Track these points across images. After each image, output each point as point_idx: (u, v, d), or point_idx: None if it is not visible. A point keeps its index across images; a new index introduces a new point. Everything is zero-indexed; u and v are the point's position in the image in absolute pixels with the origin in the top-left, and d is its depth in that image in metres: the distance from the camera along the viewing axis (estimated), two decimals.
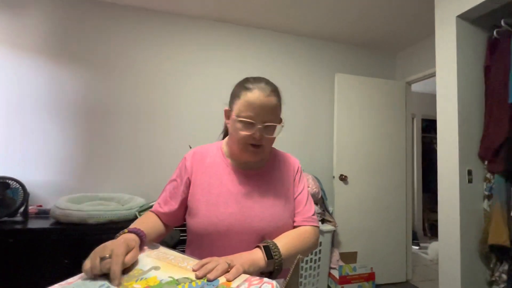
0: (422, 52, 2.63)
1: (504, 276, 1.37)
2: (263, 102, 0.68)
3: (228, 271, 0.52)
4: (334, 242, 2.40)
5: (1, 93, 1.93)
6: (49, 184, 1.97)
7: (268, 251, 0.62)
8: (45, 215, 1.75)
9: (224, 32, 2.44)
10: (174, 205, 0.75)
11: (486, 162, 1.48)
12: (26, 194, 1.61)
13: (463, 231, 1.44)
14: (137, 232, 0.62)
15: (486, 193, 1.48)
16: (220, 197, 0.72)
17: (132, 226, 0.67)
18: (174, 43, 2.31)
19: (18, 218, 1.65)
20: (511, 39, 1.44)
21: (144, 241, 0.62)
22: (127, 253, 0.54)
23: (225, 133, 0.90)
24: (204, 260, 0.54)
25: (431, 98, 4.16)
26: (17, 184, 1.59)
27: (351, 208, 2.53)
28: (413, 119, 4.03)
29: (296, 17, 2.34)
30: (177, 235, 1.66)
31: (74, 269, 1.79)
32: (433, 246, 3.24)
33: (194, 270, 0.52)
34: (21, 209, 1.63)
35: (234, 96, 0.72)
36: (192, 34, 2.36)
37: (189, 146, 2.15)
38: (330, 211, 2.44)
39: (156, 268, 0.55)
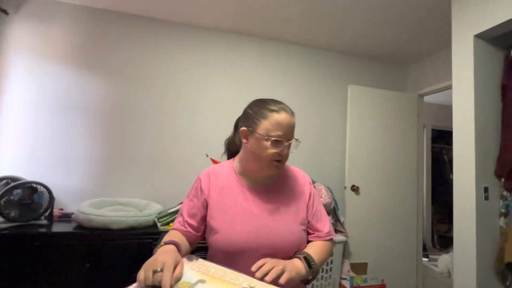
0: (434, 65, 2.65)
1: None
2: (289, 122, 0.76)
3: (281, 275, 0.61)
4: (345, 252, 2.42)
5: (29, 98, 2.01)
6: (69, 187, 2.03)
7: (307, 261, 0.71)
8: (67, 219, 1.81)
9: (239, 44, 2.50)
10: (194, 224, 0.80)
11: (502, 180, 1.50)
12: (52, 198, 1.68)
13: (479, 247, 1.45)
14: (176, 244, 0.68)
15: (503, 210, 1.49)
16: (237, 216, 0.77)
17: (165, 239, 0.72)
18: (193, 55, 2.38)
19: (43, 221, 1.71)
20: None
21: (181, 253, 0.67)
22: (175, 266, 0.59)
23: (229, 151, 0.96)
24: (261, 262, 0.62)
25: (441, 108, 4.16)
26: (44, 188, 1.66)
27: (362, 219, 2.55)
28: (423, 129, 4.03)
29: (310, 30, 2.39)
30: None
31: (95, 273, 1.84)
32: (442, 258, 3.22)
33: (252, 271, 0.60)
34: (47, 213, 1.69)
35: (257, 117, 0.76)
36: (209, 46, 2.43)
37: (206, 154, 2.20)
38: (342, 222, 2.46)
39: (202, 281, 0.59)
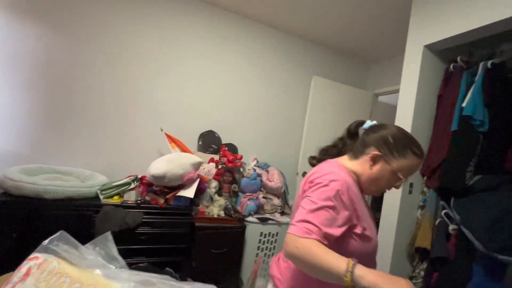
0: (392, 68, 2.84)
1: (422, 273, 1.65)
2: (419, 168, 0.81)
3: None
4: None
5: None
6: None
7: None
8: None
9: (210, 18, 2.37)
10: (337, 233, 0.67)
11: (425, 178, 1.72)
12: None
13: (397, 234, 1.69)
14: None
15: (421, 203, 1.73)
16: (371, 221, 0.82)
17: (331, 256, 0.59)
18: (157, 24, 2.20)
19: None
20: (461, 74, 1.65)
21: None
22: None
23: (325, 151, 0.95)
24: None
25: (394, 110, 4.53)
26: None
27: None
28: None
29: (286, 15, 2.36)
30: (140, 217, 1.67)
31: (22, 244, 1.71)
32: None
33: None
34: None
35: (398, 151, 0.76)
36: (177, 16, 2.25)
37: (161, 129, 2.11)
38: (290, 205, 2.62)
39: None
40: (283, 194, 2.51)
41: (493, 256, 1.16)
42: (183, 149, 2.01)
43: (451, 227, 1.53)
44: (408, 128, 1.71)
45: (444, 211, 1.57)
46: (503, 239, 1.12)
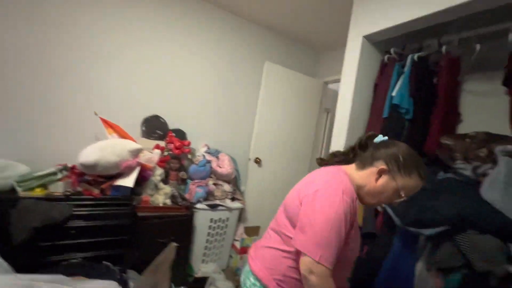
0: (340, 57, 2.94)
1: None
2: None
3: None
4: (241, 218, 2.64)
5: None
6: None
7: None
8: None
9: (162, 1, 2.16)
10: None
11: None
12: None
13: None
14: None
15: None
16: (357, 231, 0.89)
17: None
18: (96, 5, 1.94)
19: None
20: (394, 65, 1.77)
21: None
22: None
23: (334, 158, 0.97)
24: None
25: None
26: None
27: (262, 188, 2.80)
28: (327, 114, 4.58)
29: None
30: (69, 210, 1.51)
31: None
32: None
33: None
34: None
35: (405, 170, 0.79)
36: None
37: (95, 112, 1.91)
38: (242, 190, 2.64)
39: None
40: (234, 180, 2.51)
41: (407, 229, 1.32)
42: (122, 135, 1.85)
43: (388, 210, 1.69)
44: (347, 114, 1.80)
45: None
46: (414, 214, 1.27)
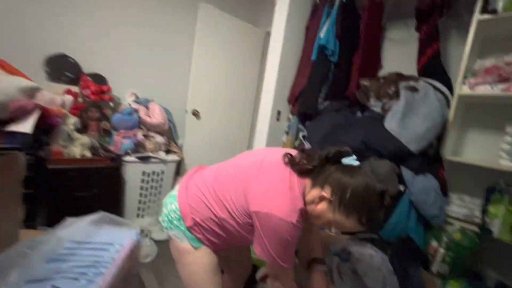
0: None
1: None
2: None
3: None
4: (180, 170, 2.57)
5: None
6: None
7: None
8: None
9: None
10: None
11: (290, 106, 1.90)
12: None
13: None
14: None
15: (286, 130, 1.93)
16: None
17: None
18: None
19: None
20: (325, 6, 1.75)
21: None
22: None
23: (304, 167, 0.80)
24: None
25: None
26: None
27: (201, 142, 2.73)
28: None
29: None
30: None
31: None
32: None
33: None
34: None
35: (348, 209, 0.72)
36: None
37: None
38: (180, 144, 2.53)
39: None
40: (169, 132, 2.38)
41: None
42: (10, 72, 1.51)
43: (306, 146, 1.78)
44: (277, 60, 1.76)
45: (301, 134, 1.80)
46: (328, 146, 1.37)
